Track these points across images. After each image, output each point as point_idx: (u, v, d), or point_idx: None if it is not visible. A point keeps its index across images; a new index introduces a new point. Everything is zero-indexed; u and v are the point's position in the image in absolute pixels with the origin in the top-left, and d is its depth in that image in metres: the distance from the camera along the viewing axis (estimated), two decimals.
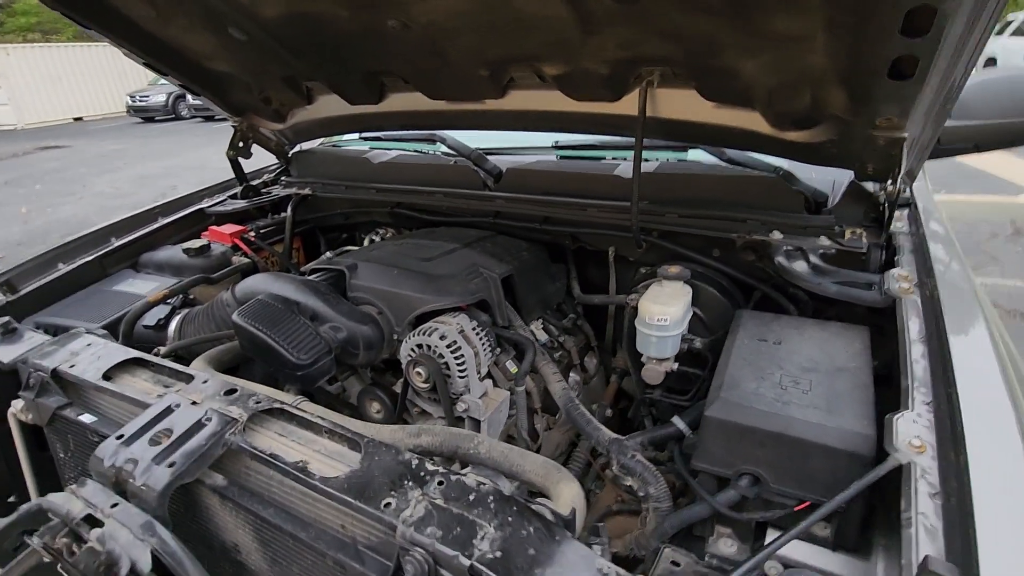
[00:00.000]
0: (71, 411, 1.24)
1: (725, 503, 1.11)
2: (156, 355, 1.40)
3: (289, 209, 2.29)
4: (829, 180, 1.66)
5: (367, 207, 2.25)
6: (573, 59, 1.41)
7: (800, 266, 1.39)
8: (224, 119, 2.29)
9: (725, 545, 1.18)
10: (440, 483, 0.89)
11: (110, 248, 1.94)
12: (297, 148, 2.52)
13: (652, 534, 1.22)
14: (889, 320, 1.27)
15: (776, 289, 1.56)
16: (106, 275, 1.91)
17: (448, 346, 1.41)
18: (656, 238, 1.68)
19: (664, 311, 1.39)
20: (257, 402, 1.11)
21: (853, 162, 1.42)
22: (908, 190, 1.56)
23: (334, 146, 2.59)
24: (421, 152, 2.32)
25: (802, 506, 1.06)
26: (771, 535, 1.12)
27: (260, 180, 2.52)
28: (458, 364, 1.41)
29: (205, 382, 1.19)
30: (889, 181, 1.27)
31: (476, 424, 1.46)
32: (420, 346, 1.45)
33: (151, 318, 1.70)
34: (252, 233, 2.19)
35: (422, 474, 0.91)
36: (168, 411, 1.09)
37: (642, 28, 1.24)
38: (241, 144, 2.33)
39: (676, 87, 1.44)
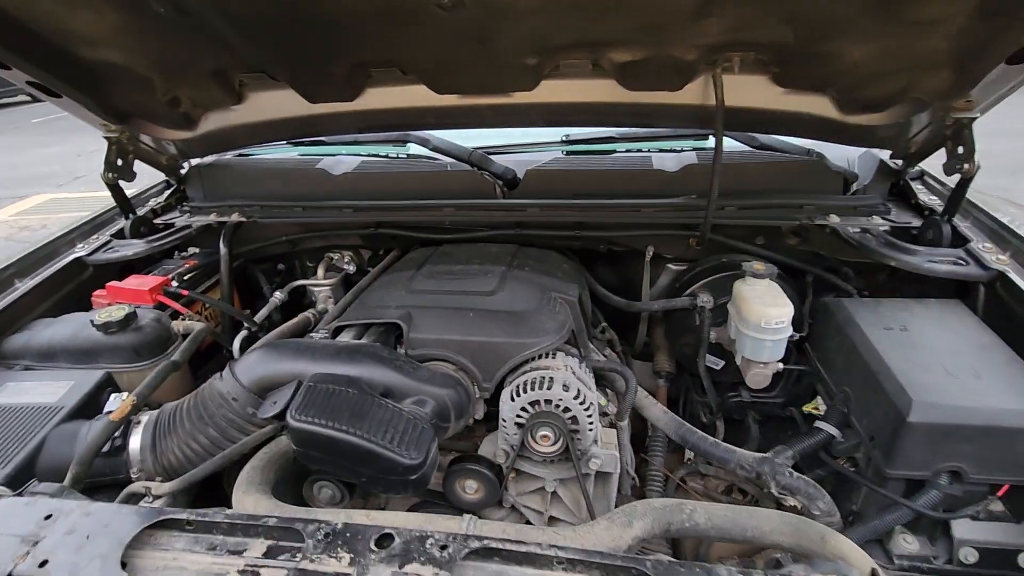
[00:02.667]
0: None
1: (928, 505, 1.08)
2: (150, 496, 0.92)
3: (222, 243, 1.72)
4: (842, 158, 1.72)
5: (327, 230, 1.79)
6: (661, 44, 1.23)
7: (896, 249, 1.41)
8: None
9: (908, 543, 1.16)
10: None
11: None
12: (191, 164, 1.92)
13: None
14: (972, 293, 1.35)
15: (828, 271, 1.59)
16: None
17: (575, 397, 1.16)
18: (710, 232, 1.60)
19: (781, 313, 1.31)
20: (442, 547, 0.77)
21: (900, 143, 1.47)
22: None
23: (241, 155, 2.02)
24: (380, 156, 1.91)
25: (1003, 490, 1.07)
26: (957, 525, 1.12)
27: (146, 209, 1.87)
28: (588, 416, 1.17)
29: (328, 536, 0.80)
30: (968, 161, 1.32)
31: (608, 479, 1.24)
32: (535, 403, 1.17)
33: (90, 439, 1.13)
34: (175, 283, 1.61)
35: None
36: None
37: (764, 10, 1.11)
38: (120, 162, 1.69)
39: (747, 73, 1.34)
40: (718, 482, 1.55)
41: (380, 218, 1.69)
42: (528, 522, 1.31)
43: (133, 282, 1.56)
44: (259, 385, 1.15)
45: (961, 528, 1.11)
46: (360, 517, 0.97)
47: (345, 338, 1.28)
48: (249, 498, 1.00)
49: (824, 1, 1.07)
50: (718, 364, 1.64)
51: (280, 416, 1.09)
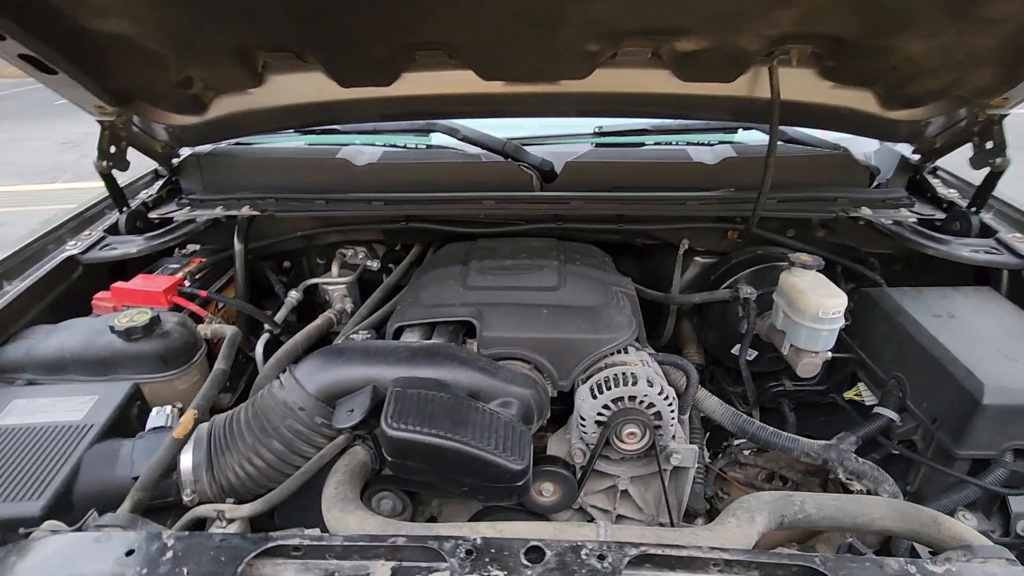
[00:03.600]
0: None
1: (995, 482, 1.14)
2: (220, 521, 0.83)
3: (237, 238, 1.58)
4: (859, 153, 1.78)
5: (350, 224, 1.68)
6: (730, 33, 1.22)
7: (931, 239, 1.46)
8: None
9: (967, 519, 1.21)
10: None
11: None
12: (188, 153, 1.76)
13: None
14: (992, 280, 1.43)
15: (857, 262, 1.64)
16: None
17: (659, 392, 1.14)
18: (740, 224, 1.61)
19: (838, 303, 1.33)
20: (600, 557, 0.73)
21: (927, 138, 1.54)
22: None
23: (238, 144, 1.86)
24: (398, 147, 1.81)
25: None
26: (1015, 501, 1.18)
27: (136, 202, 1.69)
28: (671, 411, 1.15)
29: (471, 553, 0.74)
30: (1002, 155, 1.39)
31: (684, 474, 1.23)
32: (618, 400, 1.14)
33: (138, 459, 1.00)
34: (187, 283, 1.46)
35: None
36: None
37: (862, 3, 1.11)
38: (113, 149, 1.52)
39: (800, 66, 1.36)
40: (757, 471, 1.58)
41: (412, 211, 1.60)
42: (593, 521, 1.28)
43: (142, 283, 1.40)
44: (327, 392, 1.06)
45: (1018, 503, 1.17)
46: (487, 530, 0.91)
47: (410, 339, 1.20)
48: (351, 516, 0.91)
49: None
50: (751, 355, 1.67)
51: (360, 425, 1.01)
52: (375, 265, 1.70)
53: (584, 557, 0.73)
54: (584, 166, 1.62)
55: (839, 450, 1.26)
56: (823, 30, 1.21)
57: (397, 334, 1.22)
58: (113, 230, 1.59)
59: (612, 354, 1.21)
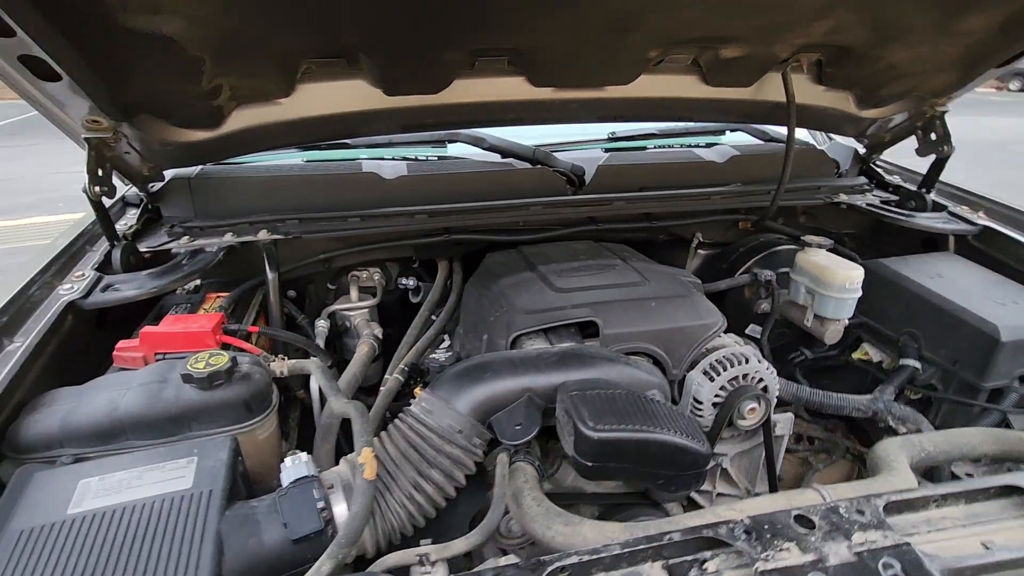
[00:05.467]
0: None
1: (1010, 405, 1.39)
2: None
3: (268, 267, 1.39)
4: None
5: (381, 242, 1.56)
6: (770, 42, 1.37)
7: (903, 216, 1.73)
8: None
9: None
10: None
11: None
12: (171, 177, 1.54)
13: None
14: (942, 247, 1.75)
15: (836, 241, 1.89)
16: None
17: (766, 368, 1.23)
18: (743, 215, 1.79)
19: (859, 274, 1.53)
20: (860, 511, 0.78)
21: (881, 133, 1.83)
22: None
23: (229, 164, 1.65)
24: (410, 159, 1.73)
25: None
26: (1016, 419, 1.44)
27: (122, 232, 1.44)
28: (775, 384, 1.25)
29: (750, 533, 0.75)
30: (947, 144, 1.70)
31: (780, 441, 1.33)
32: (734, 379, 1.20)
33: (293, 519, 0.86)
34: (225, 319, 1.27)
35: None
36: None
37: (864, 15, 1.31)
38: (100, 172, 1.28)
39: (806, 72, 1.56)
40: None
41: (454, 222, 1.54)
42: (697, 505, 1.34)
43: (178, 324, 1.19)
44: (481, 411, 1.00)
45: (1018, 421, 1.44)
46: (727, 512, 0.91)
47: (529, 345, 1.16)
48: (582, 528, 0.86)
49: (907, 11, 1.30)
50: (758, 332, 1.84)
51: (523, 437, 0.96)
52: (412, 283, 1.60)
53: (845, 514, 0.78)
54: (614, 169, 1.68)
55: (885, 401, 1.44)
56: (840, 41, 1.40)
57: (514, 343, 1.17)
58: (104, 267, 1.32)
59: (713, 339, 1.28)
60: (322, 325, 1.54)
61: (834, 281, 1.53)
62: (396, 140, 1.73)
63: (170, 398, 1.01)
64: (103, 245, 1.39)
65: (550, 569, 0.71)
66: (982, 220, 1.70)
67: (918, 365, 1.52)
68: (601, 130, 1.91)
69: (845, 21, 1.32)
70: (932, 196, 1.86)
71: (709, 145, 1.92)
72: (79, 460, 0.97)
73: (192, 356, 1.04)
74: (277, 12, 1.04)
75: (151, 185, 1.52)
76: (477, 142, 1.65)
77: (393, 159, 1.72)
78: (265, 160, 1.67)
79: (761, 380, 1.23)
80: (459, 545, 0.83)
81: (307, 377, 1.32)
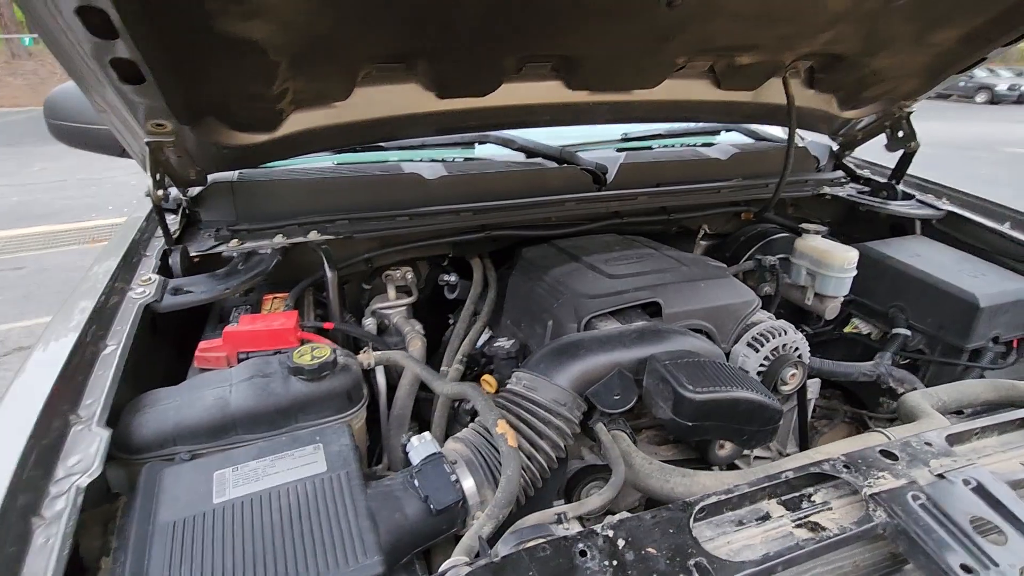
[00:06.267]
0: None
1: (987, 363, 1.61)
2: None
3: (328, 267, 1.42)
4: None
5: (424, 240, 1.62)
6: (781, 50, 1.53)
7: (881, 204, 1.96)
8: None
9: None
10: None
11: None
12: (211, 182, 1.53)
13: None
14: (909, 230, 1.99)
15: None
16: None
17: (801, 338, 1.38)
18: (744, 207, 1.97)
19: (855, 255, 1.73)
20: (927, 444, 0.93)
21: (854, 131, 2.06)
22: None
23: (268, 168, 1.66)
24: (438, 161, 1.80)
25: (1016, 342, 1.66)
26: (989, 375, 1.68)
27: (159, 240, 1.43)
28: (808, 352, 1.40)
29: (848, 467, 0.88)
30: (914, 140, 1.94)
31: (809, 405, 1.48)
32: (775, 350, 1.35)
33: (433, 492, 0.92)
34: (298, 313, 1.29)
35: None
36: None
37: (861, 28, 1.50)
38: (158, 176, 1.29)
39: (800, 77, 1.75)
40: None
41: (493, 219, 1.62)
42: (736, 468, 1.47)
43: (259, 323, 1.21)
44: (578, 384, 1.09)
45: (990, 375, 1.67)
46: (817, 455, 1.03)
47: (600, 326, 1.26)
48: (701, 476, 0.97)
49: (897, 25, 1.50)
50: None
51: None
52: (453, 278, 1.66)
53: (918, 447, 0.93)
54: (634, 167, 1.81)
55: (885, 366, 1.64)
56: (836, 49, 1.59)
57: (587, 325, 1.27)
58: (164, 271, 1.31)
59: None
60: (370, 323, 1.57)
61: (834, 262, 1.72)
62: (428, 142, 1.79)
63: (279, 391, 1.04)
64: (155, 249, 1.38)
65: (698, 507, 0.81)
66: (946, 206, 1.95)
67: (908, 333, 1.73)
68: (611, 131, 2.05)
69: (844, 32, 1.50)
70: (900, 187, 2.10)
71: (707, 144, 2.09)
72: (196, 456, 0.98)
73: (295, 351, 1.08)
74: (366, 18, 1.09)
75: (190, 190, 1.51)
76: (507, 143, 1.73)
77: (422, 160, 1.78)
78: (299, 163, 1.68)
79: (797, 349, 1.38)
80: (594, 502, 0.91)
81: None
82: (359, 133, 1.47)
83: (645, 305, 1.31)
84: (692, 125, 2.13)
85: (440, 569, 0.76)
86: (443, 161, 1.74)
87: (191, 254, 1.41)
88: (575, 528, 0.90)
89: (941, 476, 0.87)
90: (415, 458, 0.97)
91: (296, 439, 0.98)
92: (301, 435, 1.00)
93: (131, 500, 0.88)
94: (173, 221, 1.50)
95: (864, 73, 1.73)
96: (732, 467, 1.43)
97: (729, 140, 2.17)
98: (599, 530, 0.77)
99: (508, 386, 1.12)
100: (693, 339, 1.19)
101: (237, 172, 1.55)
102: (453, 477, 0.94)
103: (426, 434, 1.00)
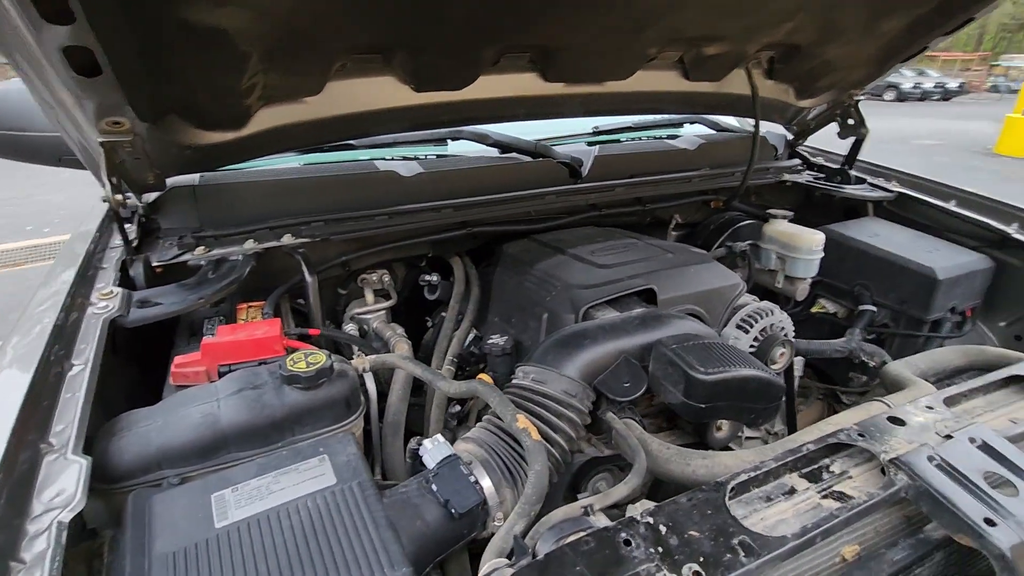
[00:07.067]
0: None
1: (946, 332, 1.71)
2: None
3: (307, 272, 1.34)
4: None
5: (404, 240, 1.56)
6: (745, 41, 1.57)
7: (842, 188, 2.05)
8: None
9: None
10: None
11: None
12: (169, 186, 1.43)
13: None
14: (862, 212, 2.10)
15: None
16: None
17: (787, 318, 1.42)
18: (713, 195, 2.01)
19: (822, 238, 1.79)
20: (928, 408, 0.97)
21: (807, 120, 2.15)
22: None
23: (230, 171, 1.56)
24: (410, 158, 1.74)
25: (969, 311, 1.77)
26: (948, 343, 1.78)
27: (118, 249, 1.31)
28: (793, 331, 1.44)
29: (862, 435, 0.90)
30: (864, 127, 2.04)
31: (794, 382, 1.52)
32: (763, 330, 1.38)
33: (453, 496, 0.87)
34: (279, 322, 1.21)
35: None
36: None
37: (817, 18, 1.56)
38: (114, 180, 1.18)
39: (761, 68, 1.81)
40: None
41: (474, 216, 1.58)
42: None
43: (240, 333, 1.12)
44: (586, 374, 1.07)
45: (949, 343, 1.77)
46: (827, 427, 1.04)
47: (602, 315, 1.24)
48: (722, 457, 0.97)
49: (849, 15, 1.57)
50: None
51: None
52: (435, 278, 1.61)
53: (920, 412, 0.96)
54: (608, 159, 1.82)
55: (856, 342, 1.71)
56: (794, 40, 1.65)
57: (586, 316, 1.25)
58: (125, 284, 1.20)
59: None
60: (351, 329, 1.50)
61: (802, 245, 1.78)
62: (400, 140, 1.74)
63: (273, 403, 0.96)
64: (111, 261, 1.26)
65: (731, 484, 0.80)
66: (896, 188, 2.06)
67: (874, 309, 1.81)
68: (580, 125, 2.06)
69: (803, 22, 1.56)
70: (852, 172, 2.21)
71: (672, 136, 2.13)
72: (185, 480, 0.90)
73: (286, 358, 1.00)
74: (351, 5, 1.04)
75: (145, 195, 1.40)
76: (481, 139, 1.70)
77: (393, 159, 1.72)
78: (264, 165, 1.59)
79: (784, 328, 1.41)
80: (620, 491, 0.89)
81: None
82: (330, 130, 1.40)
83: (639, 293, 1.31)
84: (658, 117, 2.17)
85: (483, 572, 0.71)
86: (416, 159, 1.69)
87: (153, 264, 1.30)
88: (603, 520, 0.88)
89: (948, 436, 0.90)
90: (430, 461, 0.92)
91: (298, 452, 0.91)
92: (302, 447, 0.93)
93: (120, 533, 0.79)
94: (129, 230, 1.38)
95: (818, 63, 1.80)
96: (726, 449, 1.45)
97: (693, 132, 2.22)
98: (639, 518, 0.75)
99: (515, 380, 1.09)
100: (692, 323, 1.19)
101: (198, 176, 1.45)
102: (472, 478, 0.90)
103: (438, 436, 0.95)
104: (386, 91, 1.37)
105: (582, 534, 0.72)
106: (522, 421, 0.91)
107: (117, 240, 1.34)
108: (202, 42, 1.01)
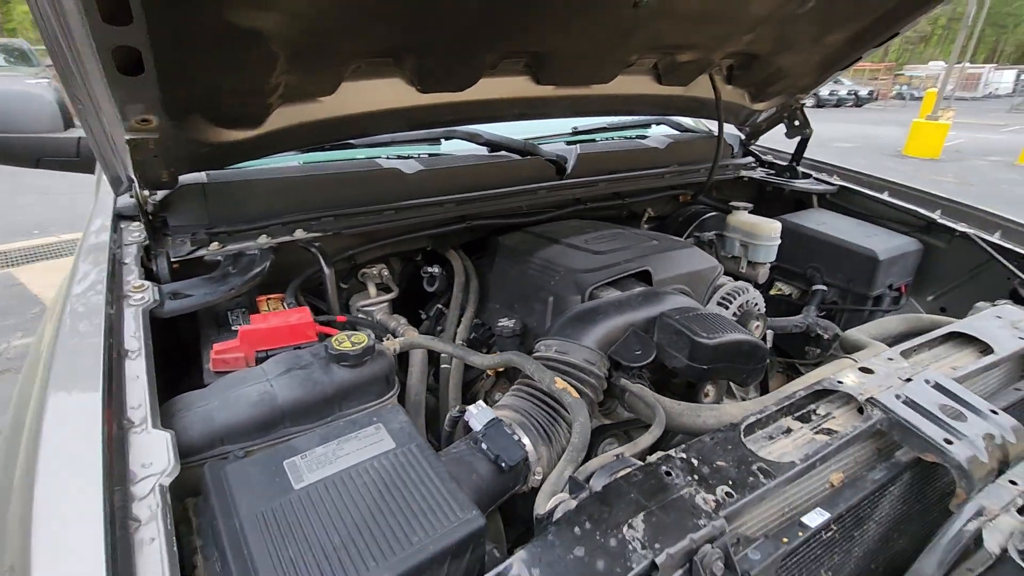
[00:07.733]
0: None
1: (886, 306, 1.95)
2: None
3: (325, 264, 1.40)
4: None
5: (405, 234, 1.64)
6: (714, 50, 1.75)
7: (791, 182, 2.27)
8: None
9: None
10: None
11: None
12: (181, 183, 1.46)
13: None
14: (806, 204, 2.35)
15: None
16: None
17: (759, 295, 1.59)
18: (681, 190, 2.20)
19: (779, 226, 2.01)
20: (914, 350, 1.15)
21: (757, 121, 2.38)
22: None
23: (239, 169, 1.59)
24: (403, 157, 1.82)
25: (904, 288, 2.02)
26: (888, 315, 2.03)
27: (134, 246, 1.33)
28: (764, 306, 1.62)
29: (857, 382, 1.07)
30: (808, 127, 2.28)
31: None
32: (742, 305, 1.55)
33: (502, 451, 0.97)
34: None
35: None
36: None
37: (774, 31, 1.76)
38: (143, 175, 1.22)
39: (721, 74, 2.00)
40: None
41: (472, 210, 1.68)
42: None
43: (274, 320, 1.18)
44: (603, 345, 1.19)
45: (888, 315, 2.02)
46: (810, 379, 1.20)
47: (608, 295, 1.37)
48: (727, 407, 1.11)
49: (802, 28, 1.78)
50: None
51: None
52: (437, 270, 1.69)
53: (883, 363, 1.14)
54: (590, 157, 1.96)
55: (812, 317, 1.92)
56: (753, 49, 1.85)
57: (592, 296, 1.37)
58: (151, 276, 1.23)
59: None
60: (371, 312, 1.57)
61: (763, 232, 1.99)
62: (397, 139, 1.81)
63: (324, 380, 1.03)
64: (131, 257, 1.28)
65: (744, 425, 0.95)
66: (837, 182, 2.31)
67: (825, 288, 2.04)
68: (560, 126, 2.20)
69: (762, 34, 1.76)
70: (799, 168, 2.46)
71: (641, 136, 2.31)
72: (249, 452, 0.95)
73: (333, 339, 1.07)
74: (374, 11, 1.12)
75: (155, 193, 1.42)
76: (473, 138, 1.80)
77: (389, 157, 1.79)
78: (265, 164, 1.63)
79: (757, 304, 1.59)
80: (646, 439, 1.02)
81: None
82: (339, 129, 1.47)
83: (636, 275, 1.45)
84: (629, 119, 2.33)
85: (548, 506, 0.82)
86: (412, 157, 1.77)
87: (172, 260, 1.33)
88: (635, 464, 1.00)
89: (909, 380, 1.08)
90: (476, 424, 1.02)
91: (354, 422, 0.99)
92: (357, 418, 1.00)
93: (203, 500, 0.85)
94: (136, 228, 1.40)
95: (772, 70, 2.01)
96: None
97: (659, 132, 2.41)
98: (673, 454, 0.88)
99: (538, 353, 1.20)
100: (685, 298, 1.34)
101: (205, 174, 1.48)
102: (516, 437, 1.00)
103: (480, 402, 1.05)
104: (393, 92, 1.46)
105: (630, 469, 0.84)
106: (560, 383, 1.03)
107: (129, 238, 1.35)
108: (240, 43, 1.07)
